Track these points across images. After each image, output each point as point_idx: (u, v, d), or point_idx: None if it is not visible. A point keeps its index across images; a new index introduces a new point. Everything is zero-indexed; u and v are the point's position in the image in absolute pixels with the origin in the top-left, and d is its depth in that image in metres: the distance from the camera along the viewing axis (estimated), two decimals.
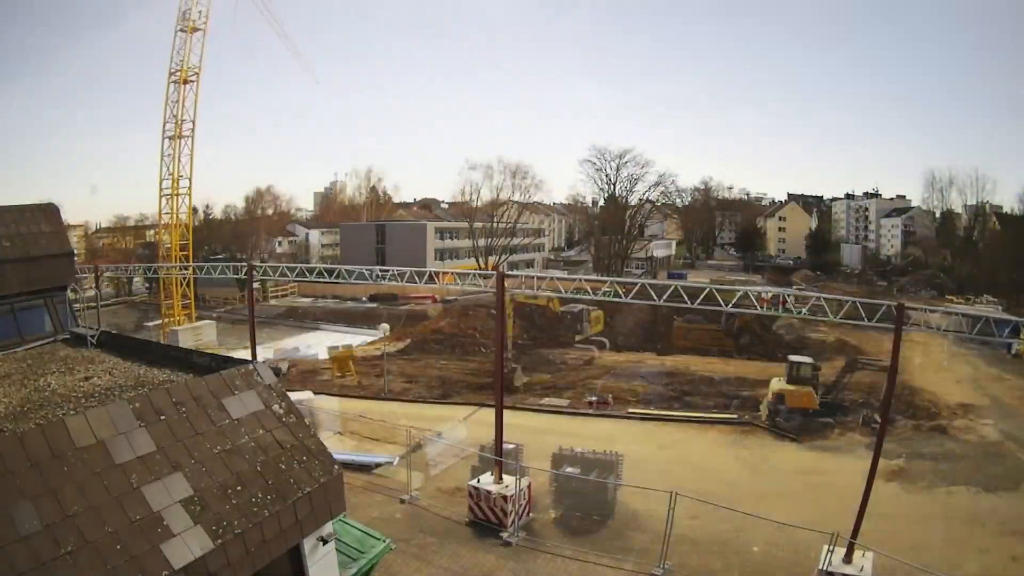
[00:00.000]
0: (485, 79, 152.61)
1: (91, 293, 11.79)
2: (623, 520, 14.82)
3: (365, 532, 9.79)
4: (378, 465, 17.71)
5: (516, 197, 69.05)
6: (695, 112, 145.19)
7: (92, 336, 8.87)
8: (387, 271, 18.49)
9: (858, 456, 18.98)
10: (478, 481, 14.51)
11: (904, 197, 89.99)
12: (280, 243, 77.75)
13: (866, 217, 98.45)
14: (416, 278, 18.14)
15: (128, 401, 5.84)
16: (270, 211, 78.28)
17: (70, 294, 9.69)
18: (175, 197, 37.64)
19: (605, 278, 21.51)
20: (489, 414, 16.21)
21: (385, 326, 40.81)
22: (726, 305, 14.60)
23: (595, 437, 18.49)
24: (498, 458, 14.29)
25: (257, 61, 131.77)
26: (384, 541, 9.71)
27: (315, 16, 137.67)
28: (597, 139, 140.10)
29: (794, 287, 48.63)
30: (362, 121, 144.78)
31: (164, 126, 36.72)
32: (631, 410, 24.24)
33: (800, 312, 15.16)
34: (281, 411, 6.73)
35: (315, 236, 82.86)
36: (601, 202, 70.60)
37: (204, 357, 7.98)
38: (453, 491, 16.09)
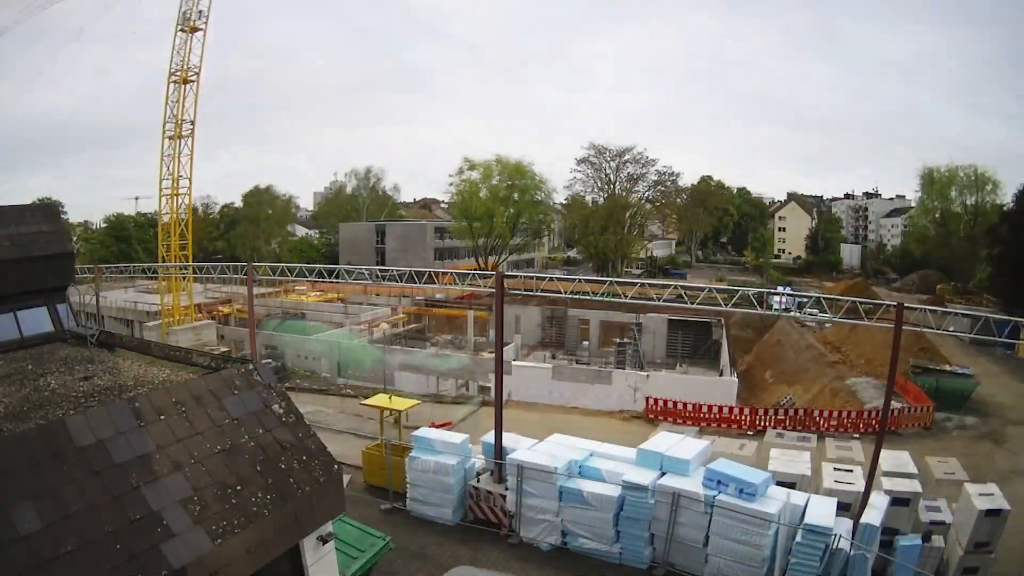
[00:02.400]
0: (486, 75, 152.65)
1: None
2: None
3: (365, 531, 9.80)
4: None
5: (515, 197, 68.83)
6: (695, 111, 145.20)
7: (92, 336, 8.88)
8: (387, 271, 18.52)
9: None
10: (477, 480, 14.47)
11: (904, 197, 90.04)
12: (279, 243, 77.52)
13: (866, 217, 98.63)
14: (416, 278, 18.15)
15: (128, 401, 5.85)
16: (269, 211, 77.95)
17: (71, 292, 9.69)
18: (175, 197, 37.65)
19: (604, 278, 21.50)
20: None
21: (385, 326, 40.84)
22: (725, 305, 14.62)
23: None
24: (498, 461, 14.24)
25: (254, 59, 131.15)
26: (384, 540, 9.72)
27: (317, 14, 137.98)
28: (596, 138, 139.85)
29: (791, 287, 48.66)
30: (362, 120, 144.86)
31: (164, 126, 36.73)
32: None
33: (800, 312, 15.19)
34: (281, 411, 6.73)
35: (314, 236, 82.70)
36: (601, 201, 70.52)
37: (204, 357, 7.99)
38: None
